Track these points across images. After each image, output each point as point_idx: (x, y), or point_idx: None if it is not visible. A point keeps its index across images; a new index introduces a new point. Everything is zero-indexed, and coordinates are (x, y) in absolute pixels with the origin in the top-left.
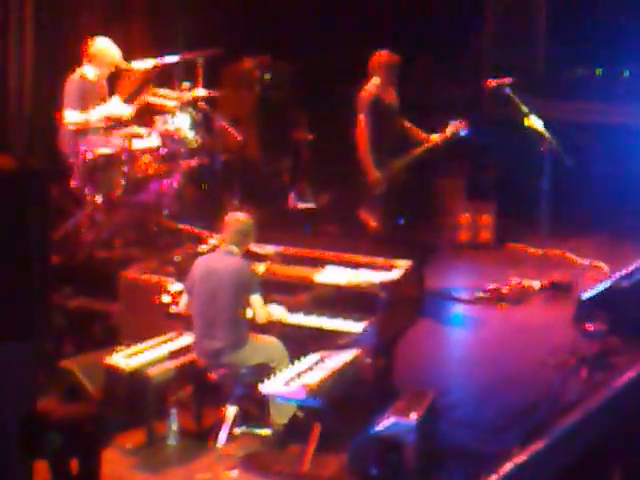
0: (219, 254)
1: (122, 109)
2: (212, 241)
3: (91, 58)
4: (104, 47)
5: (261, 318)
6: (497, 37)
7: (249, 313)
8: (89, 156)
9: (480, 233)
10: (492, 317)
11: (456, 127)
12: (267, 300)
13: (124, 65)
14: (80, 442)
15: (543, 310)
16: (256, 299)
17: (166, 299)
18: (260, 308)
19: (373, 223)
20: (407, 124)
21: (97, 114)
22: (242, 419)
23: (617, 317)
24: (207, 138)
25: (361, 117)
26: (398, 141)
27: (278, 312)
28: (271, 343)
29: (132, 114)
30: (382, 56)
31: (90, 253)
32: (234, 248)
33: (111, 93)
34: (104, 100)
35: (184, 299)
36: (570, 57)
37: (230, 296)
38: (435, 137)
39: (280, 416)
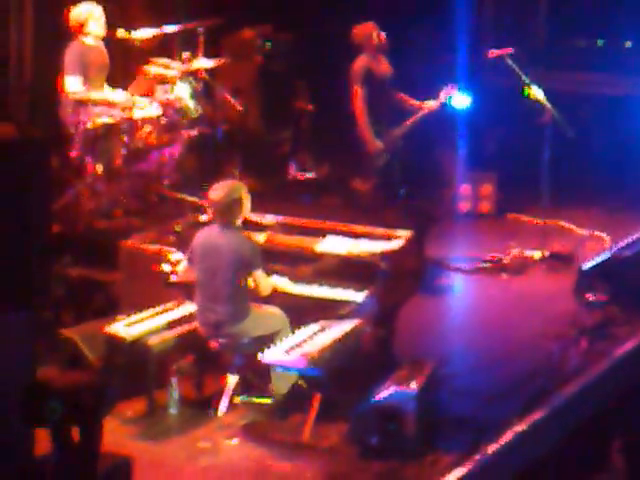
0: (218, 228)
1: (120, 97)
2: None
3: (78, 30)
4: (85, 14)
5: (265, 292)
6: (498, 6)
7: (251, 284)
8: (89, 125)
9: (481, 203)
10: (492, 287)
11: (449, 91)
12: (268, 271)
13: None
14: (81, 411)
15: (543, 280)
16: (259, 274)
17: (166, 268)
18: (263, 282)
19: (366, 192)
20: (399, 94)
21: (97, 96)
22: (243, 388)
23: (617, 287)
24: (208, 108)
25: (356, 89)
26: (394, 110)
27: (283, 284)
28: (273, 313)
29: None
30: (359, 30)
31: (90, 223)
32: (228, 222)
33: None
34: (105, 67)
35: (183, 266)
36: (571, 28)
37: (231, 272)
38: (430, 103)
39: (281, 386)
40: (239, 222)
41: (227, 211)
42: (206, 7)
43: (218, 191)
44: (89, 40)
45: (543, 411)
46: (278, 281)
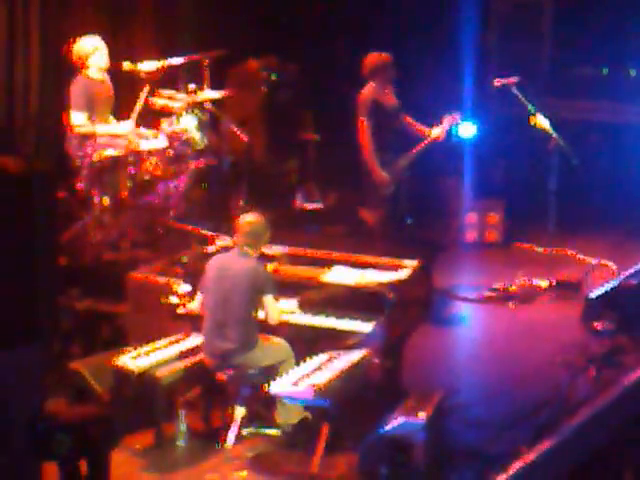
0: (234, 255)
1: (125, 128)
2: (219, 242)
3: (81, 64)
4: (88, 48)
5: (274, 319)
6: (503, 36)
7: (260, 315)
8: (95, 158)
9: (487, 232)
10: (500, 316)
11: (451, 119)
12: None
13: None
14: (89, 443)
15: (551, 309)
16: (269, 299)
17: (174, 300)
18: (273, 308)
19: (374, 222)
20: (409, 120)
21: (102, 130)
22: (251, 420)
23: (625, 316)
24: (214, 139)
25: (362, 120)
26: (400, 140)
27: (288, 306)
28: (278, 344)
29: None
30: (374, 58)
31: (98, 255)
32: (249, 249)
33: (116, 92)
34: (110, 99)
35: (199, 298)
36: (576, 56)
37: (244, 297)
38: (435, 132)
39: (286, 417)
40: (257, 253)
41: (254, 238)
42: (211, 39)
43: (251, 218)
44: (93, 73)
45: (552, 441)
46: (285, 305)
